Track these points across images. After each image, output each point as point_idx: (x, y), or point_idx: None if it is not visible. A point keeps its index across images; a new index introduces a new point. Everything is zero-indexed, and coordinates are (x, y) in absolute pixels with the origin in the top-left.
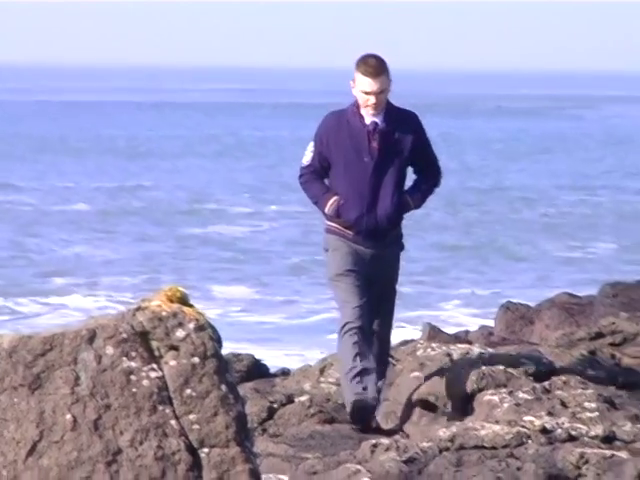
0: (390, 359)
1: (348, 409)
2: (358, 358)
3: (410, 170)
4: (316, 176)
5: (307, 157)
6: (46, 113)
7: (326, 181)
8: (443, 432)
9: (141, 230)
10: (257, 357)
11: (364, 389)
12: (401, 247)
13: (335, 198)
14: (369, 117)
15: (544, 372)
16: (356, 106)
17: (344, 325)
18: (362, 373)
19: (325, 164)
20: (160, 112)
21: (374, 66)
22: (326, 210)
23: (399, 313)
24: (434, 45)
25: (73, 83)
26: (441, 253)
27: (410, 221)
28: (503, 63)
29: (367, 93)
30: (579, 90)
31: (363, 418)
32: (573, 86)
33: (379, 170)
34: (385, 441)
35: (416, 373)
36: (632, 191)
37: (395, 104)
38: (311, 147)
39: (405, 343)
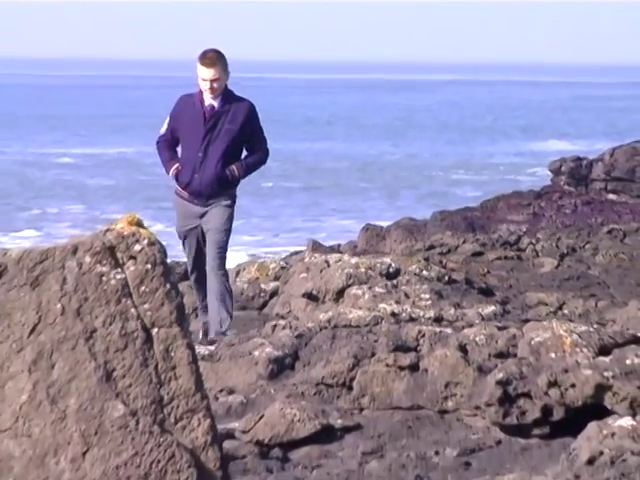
0: (224, 272)
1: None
2: (200, 299)
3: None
4: (168, 144)
5: (163, 128)
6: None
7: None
8: (322, 315)
9: None
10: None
11: (204, 323)
12: (230, 203)
13: (176, 165)
14: (208, 100)
15: (393, 273)
16: (200, 91)
17: (188, 272)
18: (204, 309)
19: (175, 135)
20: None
21: (210, 58)
22: (169, 174)
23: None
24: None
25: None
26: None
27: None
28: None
29: (204, 80)
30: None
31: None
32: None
33: (209, 144)
34: (282, 322)
35: (303, 274)
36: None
37: (237, 93)
38: (167, 121)
39: (295, 253)
